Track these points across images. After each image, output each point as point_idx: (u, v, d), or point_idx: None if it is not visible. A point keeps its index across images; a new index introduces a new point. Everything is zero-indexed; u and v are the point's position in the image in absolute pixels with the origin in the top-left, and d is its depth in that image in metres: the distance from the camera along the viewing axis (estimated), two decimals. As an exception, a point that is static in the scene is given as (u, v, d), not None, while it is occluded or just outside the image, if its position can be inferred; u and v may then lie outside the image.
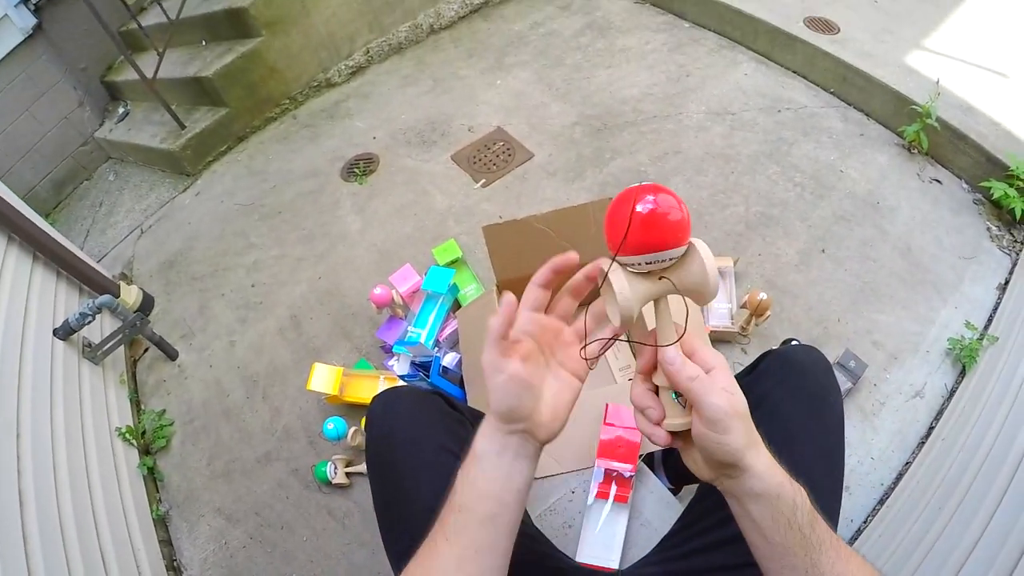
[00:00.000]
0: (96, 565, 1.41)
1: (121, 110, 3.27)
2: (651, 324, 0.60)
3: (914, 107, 2.09)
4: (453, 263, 1.84)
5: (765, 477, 0.55)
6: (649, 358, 0.59)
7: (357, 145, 2.69)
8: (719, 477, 0.58)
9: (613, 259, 0.55)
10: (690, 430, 0.57)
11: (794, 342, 1.65)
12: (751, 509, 0.57)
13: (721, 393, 0.54)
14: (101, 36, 2.56)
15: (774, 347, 1.27)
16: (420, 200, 2.36)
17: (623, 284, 0.53)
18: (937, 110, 2.04)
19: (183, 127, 2.81)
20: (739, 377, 0.99)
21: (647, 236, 0.52)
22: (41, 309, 1.75)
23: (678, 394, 0.58)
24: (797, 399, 0.85)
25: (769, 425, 0.82)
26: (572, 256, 0.57)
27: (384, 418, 0.89)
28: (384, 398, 0.92)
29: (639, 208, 0.51)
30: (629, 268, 0.56)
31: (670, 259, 0.54)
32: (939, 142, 2.11)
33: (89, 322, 1.77)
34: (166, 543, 1.69)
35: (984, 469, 1.20)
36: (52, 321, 1.76)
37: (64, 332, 1.73)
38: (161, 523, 1.72)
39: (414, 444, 0.84)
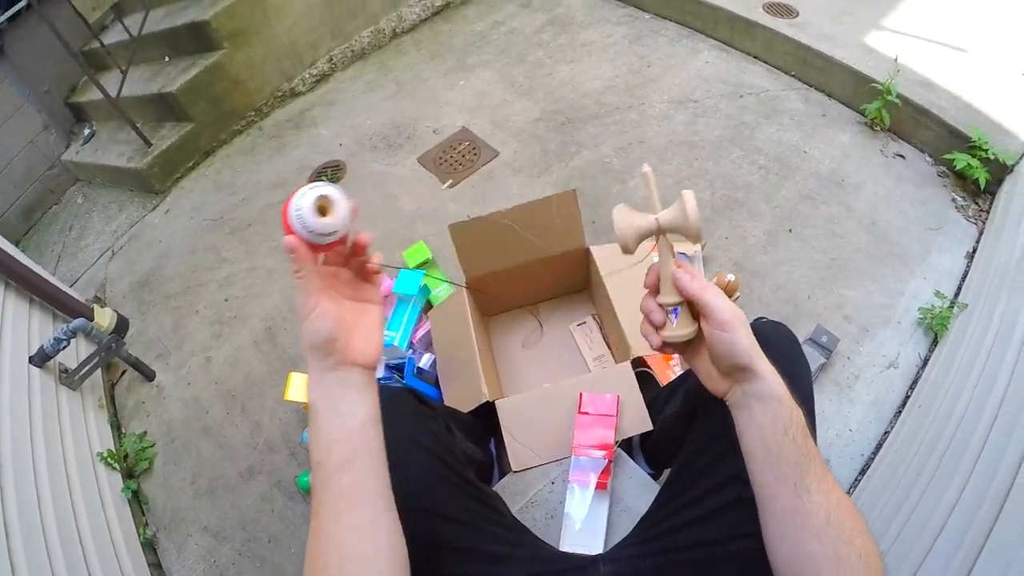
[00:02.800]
0: (85, 593, 1.40)
1: (87, 131, 3.23)
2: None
3: (875, 85, 2.12)
4: (423, 264, 1.83)
5: (770, 379, 0.63)
6: (654, 277, 0.69)
7: (324, 153, 2.68)
8: (731, 386, 0.66)
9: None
10: (694, 345, 0.69)
11: (763, 319, 1.67)
12: (756, 412, 0.63)
13: (727, 301, 0.64)
14: (63, 57, 2.52)
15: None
16: (388, 204, 2.36)
17: (621, 218, 0.68)
18: (897, 87, 2.07)
19: (149, 145, 2.79)
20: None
21: None
22: (15, 337, 1.73)
23: (679, 308, 0.69)
24: None
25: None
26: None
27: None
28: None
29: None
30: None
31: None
32: (901, 118, 2.14)
33: (64, 347, 1.75)
34: (155, 566, 1.67)
35: (959, 433, 1.22)
36: (27, 349, 1.74)
37: (40, 359, 1.71)
38: (149, 546, 1.70)
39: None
